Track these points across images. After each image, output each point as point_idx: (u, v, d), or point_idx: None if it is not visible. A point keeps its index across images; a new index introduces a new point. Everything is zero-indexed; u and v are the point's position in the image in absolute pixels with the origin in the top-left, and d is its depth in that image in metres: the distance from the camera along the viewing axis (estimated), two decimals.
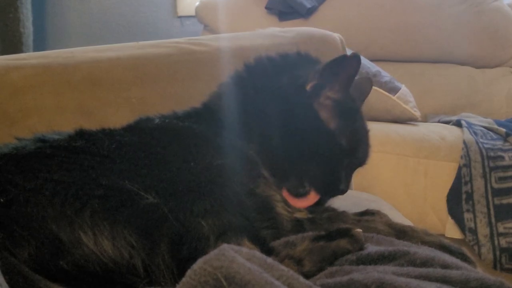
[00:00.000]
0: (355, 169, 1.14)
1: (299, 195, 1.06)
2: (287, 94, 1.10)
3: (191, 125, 1.05)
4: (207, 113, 1.13)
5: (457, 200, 2.01)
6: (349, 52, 1.63)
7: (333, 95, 1.09)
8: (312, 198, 1.07)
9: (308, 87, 1.09)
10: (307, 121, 1.08)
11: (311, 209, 1.07)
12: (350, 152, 1.08)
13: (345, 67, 1.06)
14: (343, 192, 1.08)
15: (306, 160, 1.06)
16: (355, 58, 1.06)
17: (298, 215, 1.05)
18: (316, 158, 1.06)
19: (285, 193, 1.05)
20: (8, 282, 0.61)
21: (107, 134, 0.97)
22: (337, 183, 1.07)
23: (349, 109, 1.11)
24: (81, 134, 0.96)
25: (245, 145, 1.05)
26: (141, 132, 1.01)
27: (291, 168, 1.06)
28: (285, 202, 1.04)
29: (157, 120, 1.06)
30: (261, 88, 1.13)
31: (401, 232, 1.01)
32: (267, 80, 1.14)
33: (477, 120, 2.41)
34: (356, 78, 1.09)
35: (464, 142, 2.06)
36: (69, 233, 0.74)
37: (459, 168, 2.02)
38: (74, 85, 1.42)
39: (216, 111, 1.12)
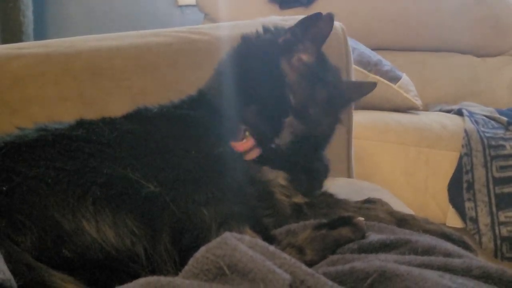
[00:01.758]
0: (310, 142, 1.11)
1: (235, 138, 1.04)
2: (262, 48, 1.13)
3: (189, 112, 1.05)
4: (202, 99, 1.13)
5: (458, 189, 2.01)
6: (350, 41, 1.63)
7: (305, 57, 1.10)
8: (247, 143, 1.04)
9: (280, 40, 1.11)
10: (265, 68, 1.09)
11: (306, 192, 1.07)
12: (295, 110, 1.07)
13: (317, 25, 1.08)
14: (277, 145, 1.05)
15: (250, 104, 1.06)
16: (328, 17, 1.08)
17: (296, 199, 1.05)
18: (259, 102, 1.06)
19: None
20: (11, 270, 0.61)
21: (108, 123, 0.97)
22: (272, 133, 1.05)
23: (313, 74, 1.11)
24: (81, 123, 0.96)
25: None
26: (141, 121, 1.01)
27: (238, 112, 1.07)
28: (284, 187, 1.04)
29: (155, 110, 1.06)
30: (247, 50, 1.15)
31: (402, 221, 1.01)
32: (255, 42, 1.16)
33: (479, 109, 2.41)
34: (362, 81, 1.09)
35: (465, 131, 2.06)
36: (71, 221, 0.74)
37: (460, 157, 2.02)
38: (75, 74, 1.41)
39: (211, 95, 1.13)
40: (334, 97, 1.15)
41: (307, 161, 1.11)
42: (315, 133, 1.11)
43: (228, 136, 1.02)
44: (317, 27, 1.09)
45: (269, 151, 1.05)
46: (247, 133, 1.05)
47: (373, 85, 1.30)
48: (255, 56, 1.12)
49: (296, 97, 1.06)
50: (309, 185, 1.09)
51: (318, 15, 1.08)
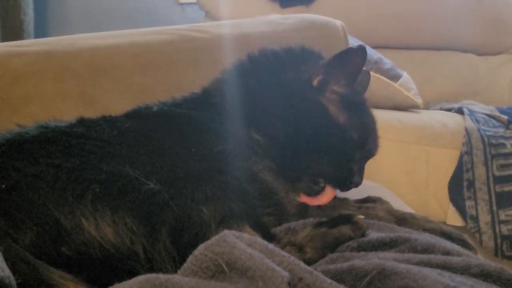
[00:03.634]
0: (366, 160, 1.13)
1: (315, 193, 1.05)
2: (293, 90, 1.08)
3: (190, 112, 1.04)
4: (206, 99, 1.12)
5: (458, 188, 2.01)
6: (350, 39, 1.63)
7: (339, 89, 1.07)
8: (329, 193, 1.06)
9: (314, 83, 1.07)
10: (316, 117, 1.06)
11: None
12: (360, 144, 1.07)
13: (350, 60, 1.05)
14: (357, 185, 1.07)
15: (318, 156, 1.04)
16: (361, 51, 1.05)
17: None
18: (328, 153, 1.05)
19: (302, 195, 1.05)
20: (10, 268, 0.61)
21: (108, 121, 0.97)
22: (350, 177, 1.06)
23: (356, 102, 1.10)
24: (82, 121, 0.96)
25: (246, 133, 1.04)
26: (141, 119, 1.01)
27: (303, 166, 1.05)
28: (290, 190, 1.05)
29: (155, 108, 1.06)
30: (265, 81, 1.12)
31: (402, 219, 1.01)
32: (272, 73, 1.12)
33: (479, 107, 2.40)
34: None
35: (466, 129, 2.06)
36: (70, 219, 0.74)
37: (461, 156, 2.02)
38: (76, 72, 1.41)
39: (216, 97, 1.11)
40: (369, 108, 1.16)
41: None
42: (374, 151, 1.14)
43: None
44: (351, 62, 1.06)
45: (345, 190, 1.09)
46: (322, 185, 1.06)
47: (367, 73, 1.30)
48: (293, 103, 1.07)
49: (356, 131, 1.06)
50: None
51: (350, 50, 1.05)
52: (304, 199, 1.05)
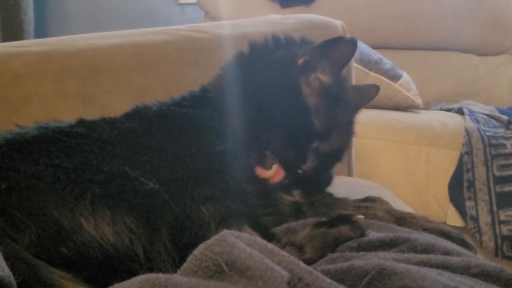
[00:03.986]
0: (331, 160, 1.12)
1: (261, 164, 1.04)
2: (278, 66, 1.10)
3: (189, 111, 1.04)
4: (204, 96, 1.12)
5: (458, 188, 2.01)
6: None
7: (322, 76, 1.07)
8: (276, 171, 1.04)
9: (299, 62, 1.08)
10: (287, 92, 1.06)
11: (308, 195, 1.07)
12: (321, 135, 1.06)
13: (339, 49, 1.05)
14: (307, 173, 1.05)
15: (275, 130, 1.04)
16: (352, 42, 1.05)
17: (295, 198, 1.05)
18: (284, 129, 1.04)
19: (256, 168, 1.04)
20: (10, 267, 0.61)
21: (108, 122, 0.98)
22: (299, 161, 1.05)
23: (334, 95, 1.09)
24: (81, 122, 0.97)
25: (243, 129, 1.05)
26: (141, 119, 1.01)
27: (261, 137, 1.05)
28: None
29: (154, 108, 1.06)
30: (259, 62, 1.13)
31: (401, 219, 1.01)
32: (266, 54, 1.14)
33: (479, 107, 2.41)
34: (365, 84, 1.08)
35: (466, 130, 2.06)
36: (70, 219, 0.74)
37: (461, 156, 2.02)
38: (76, 72, 1.41)
39: (213, 91, 1.12)
40: (352, 114, 1.16)
41: (320, 177, 1.11)
42: (337, 152, 1.12)
43: (231, 138, 1.00)
44: (339, 51, 1.05)
45: (294, 176, 1.06)
46: (269, 160, 1.04)
47: (376, 88, 1.30)
48: (272, 76, 1.09)
49: (320, 121, 1.05)
50: (314, 194, 1.09)
51: (340, 39, 1.06)
52: (258, 171, 1.03)
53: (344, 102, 1.12)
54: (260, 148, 1.04)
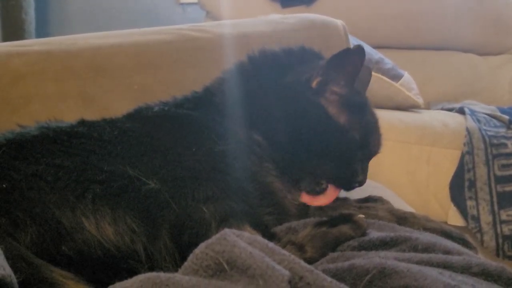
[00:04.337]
0: (370, 159, 1.13)
1: (316, 193, 1.04)
2: (293, 92, 1.08)
3: (190, 112, 1.04)
4: (208, 99, 1.12)
5: (459, 188, 2.01)
6: (351, 39, 1.62)
7: (339, 90, 1.06)
8: (332, 193, 1.05)
9: (313, 84, 1.07)
10: (317, 118, 1.05)
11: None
12: (363, 144, 1.07)
13: (349, 61, 1.04)
14: (361, 184, 1.06)
15: (320, 157, 1.04)
16: (359, 51, 1.04)
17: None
18: (330, 154, 1.04)
19: (303, 194, 1.05)
20: (11, 267, 0.61)
21: (109, 122, 0.98)
22: (354, 177, 1.05)
23: (356, 102, 1.09)
24: (82, 122, 0.97)
25: (246, 133, 1.04)
26: (142, 119, 1.01)
27: (304, 167, 1.04)
28: (291, 191, 1.04)
29: (156, 108, 1.06)
30: (265, 83, 1.11)
31: (402, 219, 1.01)
32: (272, 76, 1.12)
33: (480, 107, 2.40)
34: None
35: (467, 129, 2.06)
36: (70, 218, 0.74)
37: (462, 156, 2.02)
38: (76, 72, 1.41)
39: (218, 97, 1.11)
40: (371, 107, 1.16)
41: None
42: (377, 148, 1.14)
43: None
44: (349, 62, 1.04)
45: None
46: (324, 186, 1.05)
47: (368, 69, 1.29)
48: (296, 107, 1.06)
49: (358, 131, 1.06)
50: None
51: (348, 51, 1.05)
52: (304, 199, 1.04)
53: (364, 103, 1.13)
54: (313, 177, 1.04)
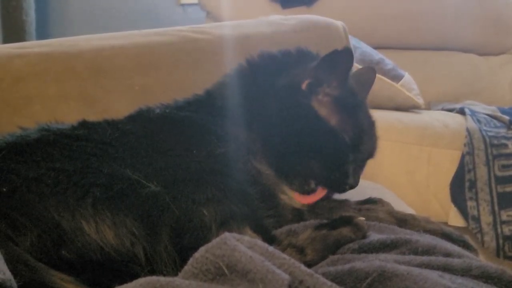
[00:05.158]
0: (364, 162, 1.13)
1: (306, 193, 1.05)
2: (285, 95, 1.09)
3: (192, 115, 1.04)
4: (209, 102, 1.12)
5: (460, 188, 2.01)
6: (351, 39, 1.63)
7: (331, 91, 1.07)
8: (319, 193, 1.06)
9: (303, 86, 1.08)
10: (307, 120, 1.06)
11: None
12: (354, 147, 1.07)
13: (338, 62, 1.05)
14: (351, 187, 1.06)
15: (310, 159, 1.04)
16: (347, 52, 1.05)
17: (297, 205, 1.05)
18: (320, 156, 1.04)
19: (294, 194, 1.05)
20: (11, 270, 0.61)
21: (110, 123, 0.98)
22: (344, 179, 1.05)
23: (349, 104, 1.09)
24: (83, 123, 0.97)
25: (246, 135, 1.05)
26: (143, 121, 1.01)
27: (295, 168, 1.05)
28: (287, 194, 1.05)
29: (157, 110, 1.06)
30: (262, 86, 1.12)
31: (402, 221, 1.01)
32: (268, 78, 1.12)
33: (481, 107, 2.40)
34: (360, 68, 1.08)
35: (468, 130, 2.06)
36: (70, 222, 0.74)
37: (462, 156, 2.02)
38: (77, 73, 1.41)
39: (218, 101, 1.12)
40: (367, 110, 1.16)
41: None
42: (371, 151, 1.14)
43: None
44: (338, 64, 1.05)
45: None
46: (313, 186, 1.06)
47: (372, 70, 1.30)
48: (286, 111, 1.07)
49: (348, 133, 1.06)
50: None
51: (336, 52, 1.05)
52: (296, 197, 1.05)
53: (359, 105, 1.13)
54: (303, 178, 1.05)
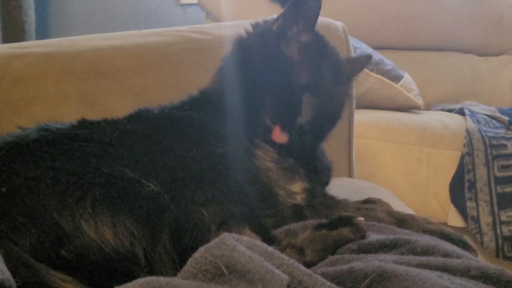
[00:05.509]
0: (326, 120, 1.15)
1: (268, 136, 1.07)
2: (260, 41, 1.16)
3: (191, 114, 1.05)
4: (205, 99, 1.15)
5: (459, 189, 2.01)
6: (351, 40, 1.62)
7: (298, 35, 1.12)
8: (278, 133, 1.07)
9: (273, 28, 1.14)
10: (270, 57, 1.12)
11: (310, 195, 1.07)
12: (308, 87, 1.10)
13: (305, 5, 1.10)
14: (302, 127, 1.08)
15: (265, 94, 1.09)
16: None
17: (297, 201, 1.05)
18: (273, 89, 1.09)
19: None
20: (10, 271, 0.61)
21: (109, 123, 0.98)
22: (294, 112, 1.07)
23: (316, 51, 1.13)
24: (83, 123, 0.97)
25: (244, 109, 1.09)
26: (142, 121, 1.01)
27: (258, 107, 1.10)
28: (286, 189, 1.05)
29: (156, 111, 1.07)
30: (247, 47, 1.19)
31: (402, 221, 1.01)
32: (252, 37, 1.20)
33: (481, 108, 2.41)
34: (357, 54, 1.10)
35: (467, 131, 2.06)
36: (70, 222, 0.74)
37: (462, 157, 2.02)
38: (77, 73, 1.42)
39: (215, 96, 1.14)
40: (338, 70, 1.19)
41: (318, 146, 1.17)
42: (330, 106, 1.15)
43: (234, 136, 1.03)
44: (306, 7, 1.10)
45: (294, 133, 1.08)
46: (268, 124, 1.08)
47: (368, 57, 1.36)
48: (255, 50, 1.15)
49: (306, 74, 1.10)
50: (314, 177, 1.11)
51: None
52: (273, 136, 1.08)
53: (327, 58, 1.16)
54: (259, 118, 1.09)
